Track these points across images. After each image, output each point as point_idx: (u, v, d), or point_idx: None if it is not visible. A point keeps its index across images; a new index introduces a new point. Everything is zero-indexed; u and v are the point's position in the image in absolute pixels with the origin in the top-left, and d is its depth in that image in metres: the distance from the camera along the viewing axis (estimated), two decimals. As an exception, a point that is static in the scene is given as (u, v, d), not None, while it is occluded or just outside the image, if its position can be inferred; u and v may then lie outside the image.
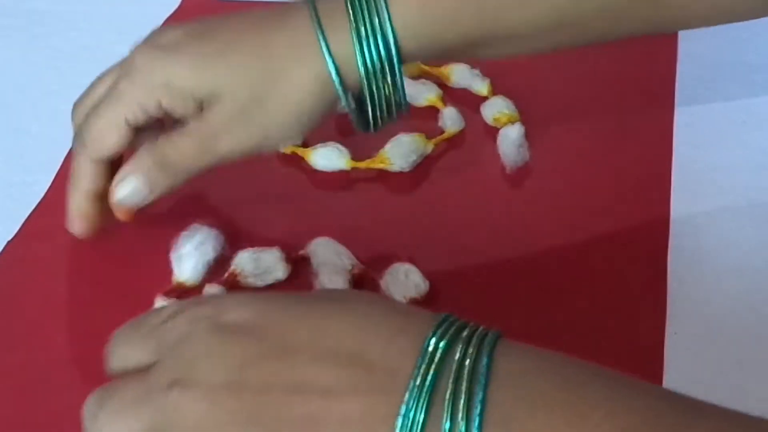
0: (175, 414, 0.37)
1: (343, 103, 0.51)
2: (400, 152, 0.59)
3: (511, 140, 0.58)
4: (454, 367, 0.35)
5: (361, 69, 0.50)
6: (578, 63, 0.66)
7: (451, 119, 0.62)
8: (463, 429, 0.34)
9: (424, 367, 0.35)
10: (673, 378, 0.47)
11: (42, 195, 0.59)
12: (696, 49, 0.67)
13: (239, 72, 0.50)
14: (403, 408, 0.34)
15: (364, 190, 0.58)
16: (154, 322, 0.40)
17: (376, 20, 0.49)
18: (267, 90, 0.50)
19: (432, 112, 0.63)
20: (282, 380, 0.36)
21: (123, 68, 0.53)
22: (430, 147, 0.60)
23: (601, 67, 0.66)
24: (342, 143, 0.60)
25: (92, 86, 0.55)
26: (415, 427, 0.34)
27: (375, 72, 0.50)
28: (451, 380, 0.35)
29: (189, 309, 0.40)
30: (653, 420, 0.34)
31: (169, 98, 0.51)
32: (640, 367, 0.47)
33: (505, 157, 0.59)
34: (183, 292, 0.52)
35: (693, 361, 0.47)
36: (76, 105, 0.55)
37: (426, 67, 0.65)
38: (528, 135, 0.59)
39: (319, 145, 0.60)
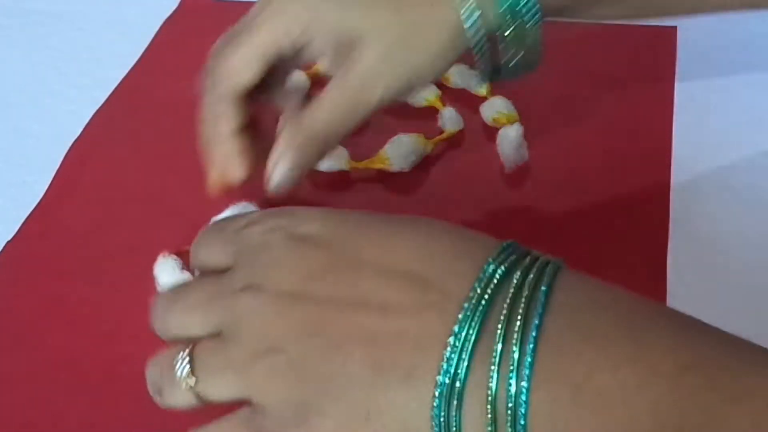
0: (243, 316, 0.39)
1: (474, 50, 0.50)
2: (399, 152, 0.59)
3: (510, 140, 0.58)
4: (512, 292, 0.36)
5: (494, 15, 0.50)
6: (577, 63, 0.66)
7: (450, 119, 0.62)
8: (516, 351, 0.34)
9: (480, 289, 0.36)
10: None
11: (41, 195, 0.59)
12: (696, 49, 0.67)
13: (381, 13, 0.50)
14: (456, 327, 0.35)
15: (363, 191, 0.58)
16: (236, 227, 0.43)
17: None
18: (409, 31, 0.50)
19: (431, 112, 0.63)
20: (344, 294, 0.38)
21: (261, 4, 0.51)
22: (429, 147, 0.60)
23: (600, 67, 0.66)
24: (341, 143, 0.59)
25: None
26: (466, 346, 0.35)
27: (508, 18, 0.50)
28: (506, 304, 0.36)
29: (267, 219, 0.42)
30: (714, 359, 0.34)
31: (312, 32, 0.50)
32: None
33: (504, 157, 0.59)
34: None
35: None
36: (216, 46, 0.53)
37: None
38: (527, 135, 0.59)
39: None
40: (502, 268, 0.37)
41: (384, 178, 0.59)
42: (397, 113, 0.63)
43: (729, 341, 0.35)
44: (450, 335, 0.35)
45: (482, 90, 0.64)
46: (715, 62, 0.65)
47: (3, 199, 0.59)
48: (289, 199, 0.55)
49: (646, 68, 0.65)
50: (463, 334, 0.35)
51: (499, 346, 0.35)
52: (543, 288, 0.36)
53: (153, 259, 0.53)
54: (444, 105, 0.63)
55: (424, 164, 0.60)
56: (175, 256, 0.52)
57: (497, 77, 0.53)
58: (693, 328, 0.36)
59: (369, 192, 0.58)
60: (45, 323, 0.51)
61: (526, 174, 0.59)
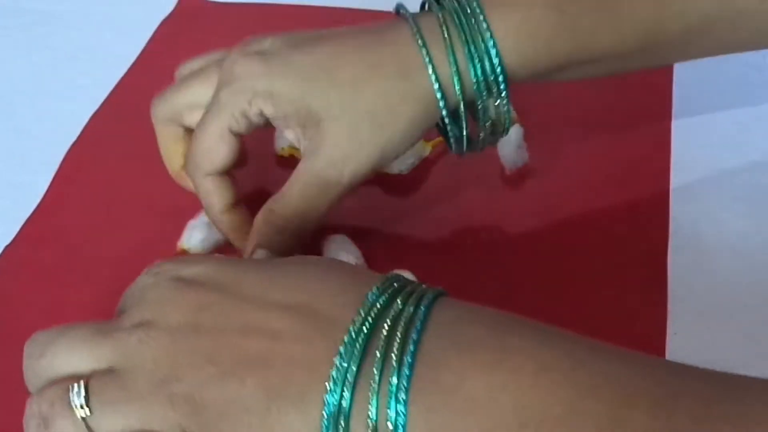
0: (136, 350, 0.40)
1: (446, 120, 0.50)
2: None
3: (510, 142, 0.58)
4: (392, 315, 0.38)
5: (467, 87, 0.49)
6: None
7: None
8: (395, 374, 0.36)
9: (363, 314, 0.38)
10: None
11: (41, 195, 0.59)
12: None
13: (345, 90, 0.49)
14: (342, 349, 0.37)
15: (362, 193, 0.58)
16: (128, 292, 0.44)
17: (480, 40, 0.48)
18: (376, 106, 0.49)
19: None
20: (234, 323, 0.39)
21: (221, 77, 0.51)
22: (428, 149, 0.60)
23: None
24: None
25: (175, 88, 0.54)
26: (351, 366, 0.37)
27: (480, 91, 0.49)
28: (387, 326, 0.38)
29: (153, 267, 0.44)
30: (571, 357, 0.36)
31: (274, 107, 0.49)
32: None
33: (504, 158, 0.59)
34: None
35: (693, 361, 0.47)
36: (157, 102, 0.54)
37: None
38: (527, 136, 0.59)
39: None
40: (385, 296, 0.39)
41: (382, 180, 0.59)
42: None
43: (584, 342, 0.37)
44: (335, 356, 0.37)
45: None
46: (715, 62, 0.65)
47: (3, 200, 0.59)
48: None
49: (645, 68, 0.65)
50: (348, 356, 0.37)
51: (378, 371, 0.37)
52: (422, 307, 0.38)
53: (153, 260, 0.53)
54: None
55: (422, 167, 0.60)
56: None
57: (467, 147, 0.52)
58: (553, 334, 0.38)
59: (367, 195, 0.58)
60: (45, 326, 0.51)
61: (526, 176, 0.59)
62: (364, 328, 0.38)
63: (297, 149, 0.60)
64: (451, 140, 0.52)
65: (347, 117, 0.48)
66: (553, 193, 0.57)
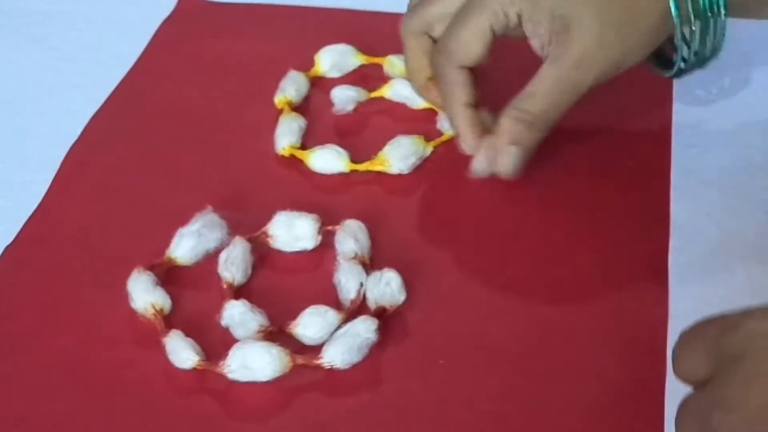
0: None
1: (677, 36, 0.55)
2: (399, 154, 0.59)
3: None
4: None
5: (697, 6, 0.54)
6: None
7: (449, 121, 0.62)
8: None
9: None
10: (675, 378, 0.47)
11: (42, 195, 0.59)
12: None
13: (598, 1, 0.54)
14: None
15: (363, 193, 0.58)
16: (713, 334, 0.39)
17: None
18: (621, 15, 0.54)
19: (430, 114, 0.63)
20: None
21: None
22: (429, 149, 0.60)
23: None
24: (341, 145, 0.59)
25: (425, 1, 0.58)
26: None
27: (706, 10, 0.54)
28: None
29: (744, 323, 0.39)
30: None
31: (533, 8, 0.54)
32: (641, 368, 0.47)
33: (475, 161, 0.57)
34: (169, 269, 0.53)
35: (693, 361, 0.47)
36: (409, 16, 0.58)
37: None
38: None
39: (317, 147, 0.60)
40: None
41: (383, 180, 0.59)
42: (396, 115, 0.63)
43: None
44: None
45: None
46: (714, 61, 0.65)
47: (3, 200, 0.59)
48: (288, 202, 0.55)
49: (645, 68, 0.65)
50: None
51: None
52: None
53: (153, 260, 0.53)
54: None
55: (423, 166, 0.59)
56: (149, 272, 0.51)
57: (677, 72, 0.58)
58: None
59: (368, 194, 0.58)
60: (45, 327, 0.51)
61: (526, 176, 0.59)
62: None
63: (297, 149, 0.60)
64: (676, 59, 0.57)
65: (596, 26, 0.54)
66: (553, 193, 0.57)
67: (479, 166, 0.56)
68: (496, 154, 0.56)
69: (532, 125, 0.55)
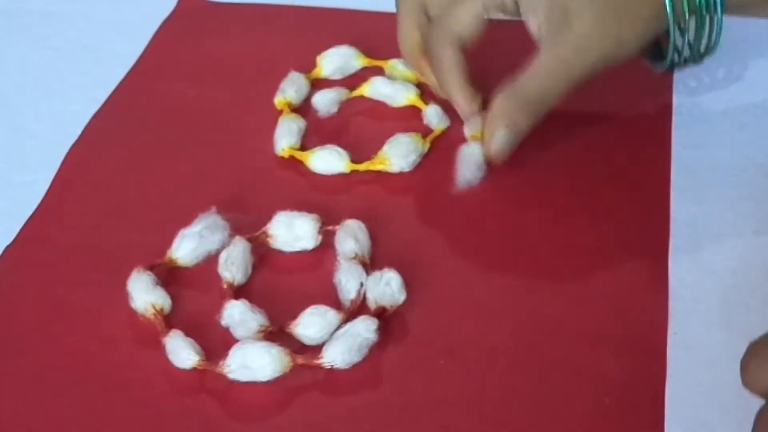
0: None
1: (671, 30, 0.55)
2: (399, 152, 0.59)
3: (470, 158, 0.57)
4: None
5: (692, 2, 0.55)
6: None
7: (435, 117, 0.62)
8: None
9: None
10: (675, 378, 0.47)
11: (42, 195, 0.59)
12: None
13: None
14: None
15: (363, 193, 0.58)
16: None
17: None
18: (618, 6, 0.54)
19: (415, 111, 0.63)
20: None
21: None
22: (427, 146, 0.60)
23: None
24: (341, 146, 0.59)
25: None
26: None
27: (701, 7, 0.55)
28: None
29: None
30: None
31: None
32: (641, 368, 0.47)
33: (458, 174, 0.57)
34: (169, 269, 0.53)
35: (693, 361, 0.48)
36: None
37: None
38: (528, 136, 0.59)
39: (317, 148, 0.60)
40: None
41: (383, 180, 0.59)
42: (379, 115, 0.63)
43: None
44: None
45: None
46: (715, 61, 0.65)
47: (3, 200, 0.59)
48: (288, 204, 0.55)
49: (645, 68, 0.65)
50: None
51: None
52: None
53: (153, 260, 0.53)
54: (426, 103, 0.63)
55: (423, 165, 0.59)
56: (149, 272, 0.51)
57: (670, 65, 0.59)
58: None
59: (369, 194, 0.58)
60: (46, 328, 0.51)
61: (526, 176, 0.59)
62: None
63: (297, 149, 0.60)
64: (669, 52, 0.58)
65: (594, 12, 0.54)
66: (553, 193, 0.57)
67: (470, 130, 0.57)
68: (489, 134, 0.55)
69: (526, 108, 0.55)
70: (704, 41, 0.57)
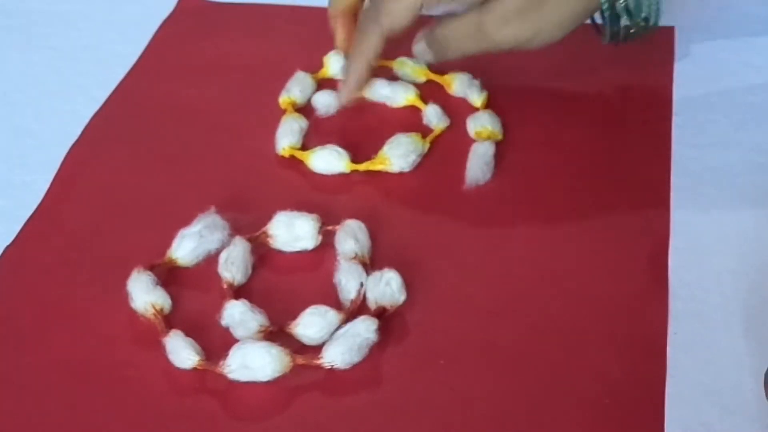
0: None
1: (605, 12, 0.60)
2: (399, 152, 0.59)
3: (478, 157, 0.58)
4: None
5: None
6: (577, 63, 0.66)
7: (435, 116, 0.62)
8: None
9: None
10: (675, 378, 0.47)
11: (42, 195, 0.59)
12: (694, 49, 0.67)
13: None
14: None
15: (363, 193, 0.58)
16: None
17: None
18: None
19: (415, 111, 0.63)
20: None
21: None
22: (426, 146, 0.60)
23: (600, 66, 0.66)
24: (341, 146, 0.59)
25: None
26: None
27: None
28: None
29: None
30: None
31: None
32: (641, 367, 0.47)
33: (468, 172, 0.58)
34: (169, 269, 0.53)
35: (693, 361, 0.48)
36: None
37: (432, 75, 0.65)
38: (528, 132, 0.59)
39: (317, 148, 0.60)
40: None
41: (383, 180, 0.59)
42: (379, 115, 0.63)
43: None
44: None
45: (478, 101, 0.63)
46: (714, 62, 0.66)
47: (3, 200, 0.59)
48: (289, 204, 0.55)
49: (645, 67, 0.65)
50: None
51: None
52: None
53: (153, 260, 0.53)
54: (425, 103, 0.63)
55: (422, 165, 0.59)
56: (149, 272, 0.51)
57: (612, 39, 0.62)
58: None
59: (369, 194, 0.58)
60: (45, 327, 0.51)
61: (527, 176, 0.59)
62: None
63: (298, 149, 0.60)
64: (606, 31, 0.61)
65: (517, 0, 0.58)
66: (553, 193, 0.57)
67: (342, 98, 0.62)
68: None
69: (443, 42, 0.61)
70: (644, 13, 0.60)
